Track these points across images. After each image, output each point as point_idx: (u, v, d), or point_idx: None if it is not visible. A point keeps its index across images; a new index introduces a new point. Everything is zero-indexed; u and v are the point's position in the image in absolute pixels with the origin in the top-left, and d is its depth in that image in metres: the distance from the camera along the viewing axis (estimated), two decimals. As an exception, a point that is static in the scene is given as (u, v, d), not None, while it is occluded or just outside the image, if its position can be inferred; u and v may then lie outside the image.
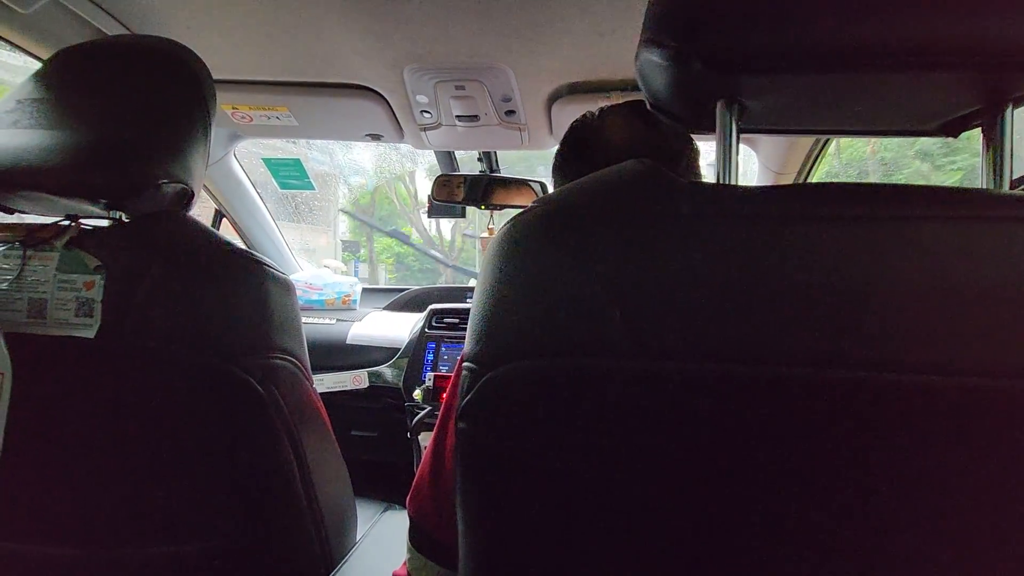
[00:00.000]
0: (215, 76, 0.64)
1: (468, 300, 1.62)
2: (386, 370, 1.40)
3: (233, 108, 1.19)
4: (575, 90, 1.06)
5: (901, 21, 0.31)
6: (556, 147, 1.30)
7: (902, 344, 0.29)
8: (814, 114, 0.43)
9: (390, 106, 1.14)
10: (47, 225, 0.56)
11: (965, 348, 0.29)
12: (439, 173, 1.46)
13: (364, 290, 1.72)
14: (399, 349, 1.42)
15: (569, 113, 1.09)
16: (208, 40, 0.94)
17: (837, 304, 0.30)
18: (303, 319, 0.64)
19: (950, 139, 0.42)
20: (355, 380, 1.38)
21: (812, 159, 1.15)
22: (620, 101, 0.70)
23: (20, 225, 0.57)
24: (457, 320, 1.42)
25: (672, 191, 0.34)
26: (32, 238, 0.54)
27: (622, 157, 0.62)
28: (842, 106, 0.41)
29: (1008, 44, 0.31)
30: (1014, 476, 0.30)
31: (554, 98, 1.09)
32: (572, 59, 0.95)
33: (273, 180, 1.56)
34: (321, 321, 1.52)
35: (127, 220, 0.58)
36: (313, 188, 1.63)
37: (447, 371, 1.34)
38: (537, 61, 0.96)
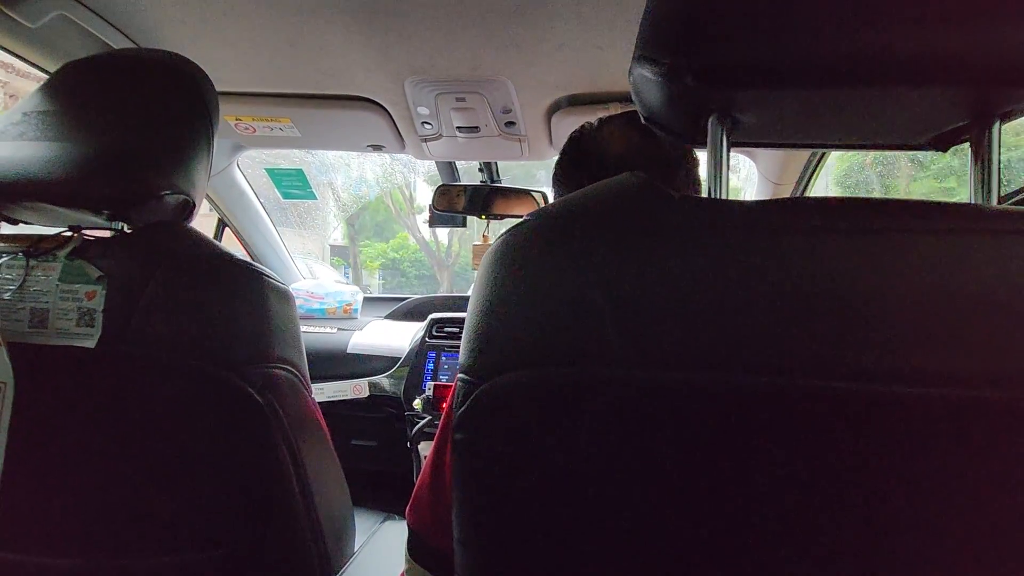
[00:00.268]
0: (219, 88, 0.65)
1: (469, 309, 1.62)
2: (386, 379, 1.40)
3: (236, 119, 1.20)
4: (574, 102, 1.07)
5: (890, 37, 0.32)
6: (555, 157, 1.32)
7: (896, 354, 0.30)
8: (805, 128, 0.44)
9: (392, 117, 1.15)
10: (51, 236, 0.56)
11: (963, 358, 0.29)
12: (438, 182, 1.47)
13: (365, 299, 1.73)
14: (399, 358, 1.42)
15: (568, 124, 1.10)
16: (213, 53, 0.96)
17: (831, 315, 0.30)
18: (304, 328, 0.65)
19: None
20: (355, 389, 1.38)
21: (811, 169, 1.16)
22: (619, 112, 0.71)
23: (24, 236, 0.58)
24: (457, 329, 1.42)
25: (665, 204, 0.35)
26: (36, 248, 0.55)
27: (620, 167, 0.63)
28: (833, 120, 0.42)
29: (995, 60, 0.31)
30: (1016, 485, 0.30)
31: (553, 109, 1.10)
32: (571, 72, 0.97)
33: (267, 188, 1.57)
34: (322, 330, 1.52)
35: (129, 231, 0.59)
36: (315, 198, 1.65)
37: (447, 380, 1.34)
38: (536, 74, 0.97)
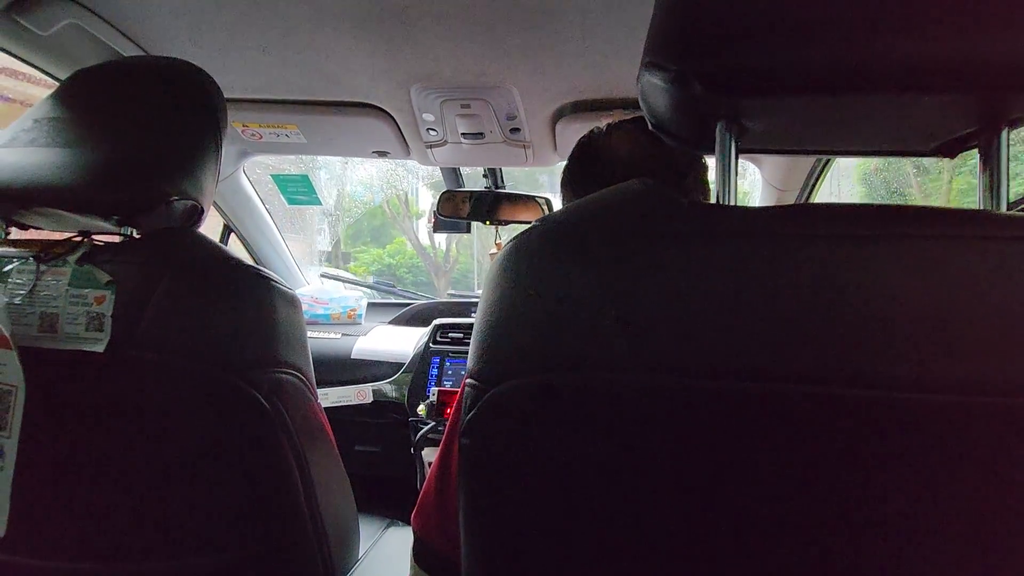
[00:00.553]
0: (227, 95, 0.66)
1: (473, 315, 1.62)
2: (390, 385, 1.40)
3: (243, 126, 1.21)
4: (579, 108, 1.08)
5: (897, 44, 0.32)
6: (560, 163, 1.32)
7: (901, 361, 0.29)
8: (813, 134, 0.44)
9: (397, 124, 1.16)
10: (61, 241, 0.57)
11: (969, 365, 0.29)
12: (439, 186, 1.48)
13: (369, 304, 1.73)
14: (404, 364, 1.42)
15: (573, 131, 1.11)
16: (221, 60, 0.97)
17: (838, 321, 0.30)
18: (309, 333, 0.65)
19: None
20: (359, 395, 1.38)
21: (815, 176, 1.16)
22: (623, 118, 0.71)
23: (35, 241, 0.58)
24: (461, 335, 1.42)
25: (672, 210, 0.35)
26: (46, 253, 0.56)
27: (629, 172, 0.63)
28: (840, 127, 0.42)
29: (1002, 67, 0.31)
30: (1019, 490, 0.30)
31: (558, 116, 1.10)
32: (575, 79, 0.97)
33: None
34: (326, 335, 1.53)
35: (138, 236, 0.59)
36: (320, 203, 1.65)
37: (451, 386, 1.34)
38: (541, 81, 0.98)
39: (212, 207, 0.66)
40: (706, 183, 0.67)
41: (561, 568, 0.36)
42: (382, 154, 1.32)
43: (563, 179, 0.72)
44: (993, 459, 0.29)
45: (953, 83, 0.33)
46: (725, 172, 0.38)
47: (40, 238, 0.59)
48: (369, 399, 1.39)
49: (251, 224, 1.58)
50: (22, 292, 0.54)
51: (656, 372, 0.31)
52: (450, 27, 0.84)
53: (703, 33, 0.34)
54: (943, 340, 0.29)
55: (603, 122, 0.72)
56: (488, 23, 0.82)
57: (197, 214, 0.61)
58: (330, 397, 1.35)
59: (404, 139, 1.22)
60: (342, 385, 1.39)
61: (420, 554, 0.54)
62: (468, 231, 1.62)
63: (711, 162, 0.71)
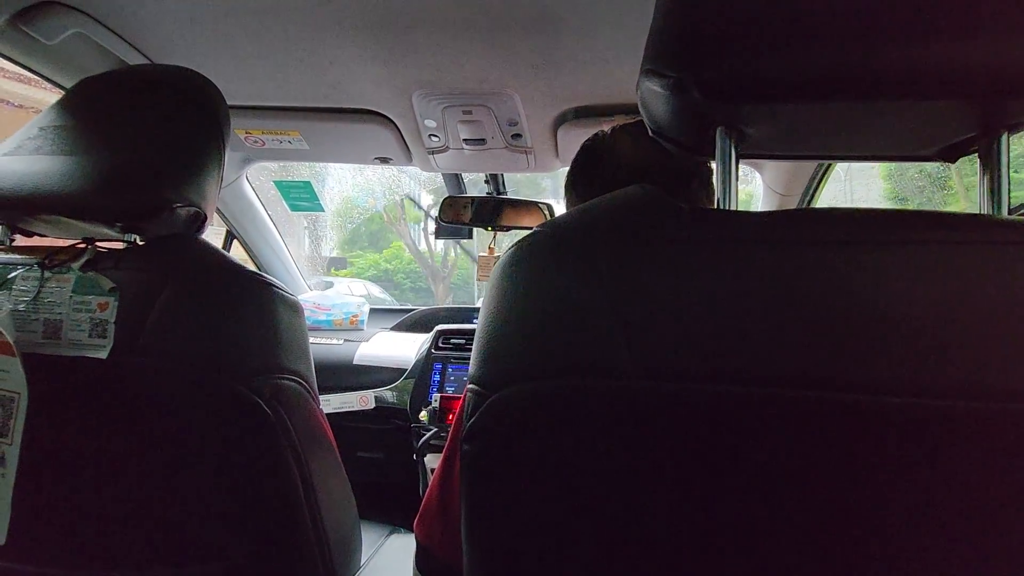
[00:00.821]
0: (230, 102, 0.66)
1: (475, 321, 1.62)
2: (393, 391, 1.40)
3: (246, 133, 1.22)
4: (580, 114, 1.08)
5: (895, 51, 0.32)
6: (562, 169, 1.32)
7: (902, 367, 0.29)
8: (813, 140, 0.44)
9: (399, 130, 1.16)
10: (65, 248, 0.57)
11: (969, 370, 0.29)
12: (438, 190, 1.48)
13: (372, 310, 1.73)
14: (406, 370, 1.42)
15: (574, 136, 1.11)
16: (224, 68, 0.97)
17: (839, 327, 0.30)
18: (311, 339, 0.65)
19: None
20: (362, 401, 1.38)
21: (816, 181, 1.16)
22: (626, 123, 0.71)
23: (39, 248, 0.58)
24: (463, 341, 1.42)
25: (673, 216, 0.35)
26: (50, 260, 0.56)
27: (633, 176, 0.63)
28: (840, 132, 0.42)
29: (1001, 73, 0.31)
30: (1020, 496, 0.29)
31: (559, 122, 1.11)
32: (577, 84, 0.97)
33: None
34: (329, 341, 1.53)
35: (142, 243, 0.59)
36: (323, 210, 1.66)
37: (453, 392, 1.34)
38: (542, 87, 0.98)
39: (215, 213, 0.67)
40: (712, 187, 0.67)
41: (564, 573, 0.36)
42: (384, 160, 1.33)
43: (567, 183, 0.72)
44: (994, 464, 0.29)
45: (952, 89, 0.33)
46: (725, 178, 0.38)
47: (44, 245, 0.59)
48: (371, 405, 1.38)
49: (253, 230, 1.58)
50: (26, 299, 0.54)
51: (657, 377, 0.31)
52: (451, 34, 0.84)
53: (701, 40, 0.34)
54: (943, 345, 0.29)
55: (604, 127, 0.72)
56: (489, 30, 0.83)
57: (200, 221, 0.61)
58: (332, 403, 1.35)
59: (406, 145, 1.22)
60: (344, 391, 1.39)
61: (422, 562, 0.54)
62: (470, 237, 1.62)
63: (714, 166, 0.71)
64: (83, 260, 0.55)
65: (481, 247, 1.51)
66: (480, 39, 0.85)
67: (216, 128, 0.63)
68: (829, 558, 0.31)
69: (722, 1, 0.34)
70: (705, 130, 0.39)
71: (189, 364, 0.52)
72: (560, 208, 0.96)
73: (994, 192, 0.37)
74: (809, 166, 1.12)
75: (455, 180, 1.53)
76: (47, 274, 0.55)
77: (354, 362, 1.45)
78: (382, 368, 1.44)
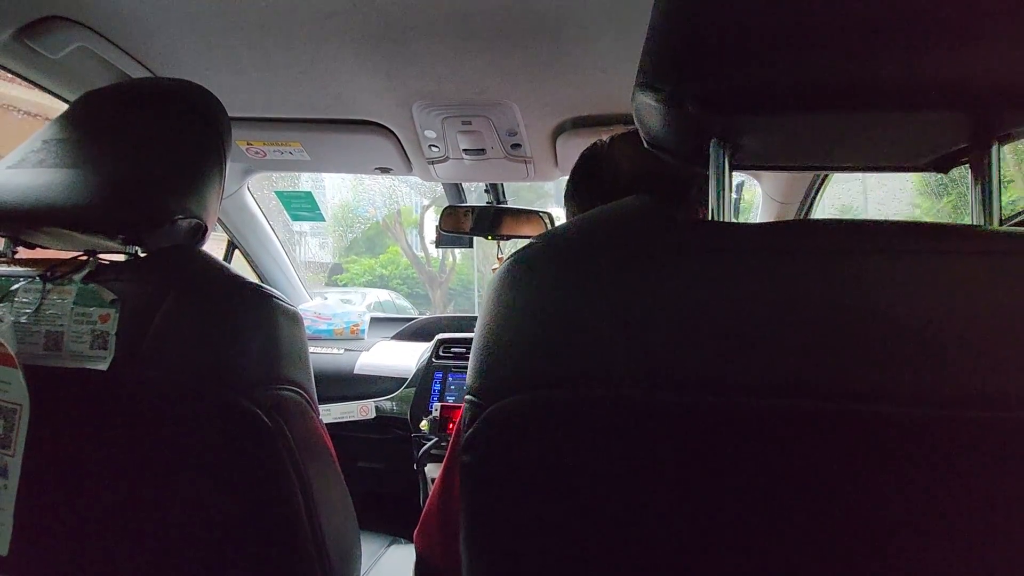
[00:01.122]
0: (231, 114, 0.67)
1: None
2: (393, 400, 1.40)
3: (248, 144, 1.23)
4: (579, 124, 1.09)
5: (887, 63, 0.32)
6: (561, 178, 1.33)
7: (901, 376, 0.30)
8: (806, 151, 0.44)
9: (399, 141, 1.17)
10: (67, 260, 0.58)
11: (966, 379, 0.29)
12: (436, 195, 1.49)
13: (372, 319, 1.74)
14: (406, 379, 1.42)
15: (573, 146, 1.12)
16: (226, 80, 0.98)
17: (835, 336, 0.30)
18: (311, 349, 0.65)
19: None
20: (362, 410, 1.38)
21: (815, 189, 1.16)
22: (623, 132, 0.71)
23: (41, 260, 0.59)
24: (464, 350, 1.42)
25: (667, 227, 0.35)
26: (52, 272, 0.56)
27: (632, 184, 0.64)
28: (834, 143, 0.42)
29: (992, 85, 0.32)
30: (1020, 503, 0.29)
31: (558, 132, 1.11)
32: (575, 95, 0.98)
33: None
34: (329, 351, 1.53)
35: (143, 254, 0.60)
36: (324, 219, 1.67)
37: (454, 401, 1.34)
38: (541, 97, 0.99)
39: (217, 224, 0.67)
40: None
41: None
42: (385, 171, 1.34)
43: (567, 192, 0.73)
44: (994, 472, 0.29)
45: (943, 101, 0.33)
46: (719, 188, 0.39)
47: (47, 257, 0.60)
48: (372, 415, 1.38)
49: (255, 241, 1.59)
50: (28, 311, 0.55)
51: (655, 387, 0.32)
52: (451, 45, 0.85)
53: (694, 54, 0.35)
54: (941, 354, 0.29)
55: (603, 137, 0.72)
56: (488, 41, 0.83)
57: (201, 232, 0.61)
58: (333, 413, 1.35)
59: (406, 155, 1.23)
60: (345, 401, 1.39)
61: (422, 573, 0.54)
62: (471, 246, 1.62)
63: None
64: (85, 272, 0.55)
65: (485, 253, 1.51)
66: (479, 50, 0.86)
67: (217, 140, 0.63)
68: (829, 566, 0.31)
69: (716, 15, 0.35)
70: (699, 141, 0.39)
71: (189, 375, 0.52)
72: (561, 217, 0.97)
73: (985, 202, 0.37)
74: (808, 175, 1.13)
75: (455, 189, 1.54)
76: (49, 286, 0.55)
77: (355, 372, 1.45)
78: (383, 377, 1.44)
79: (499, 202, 1.50)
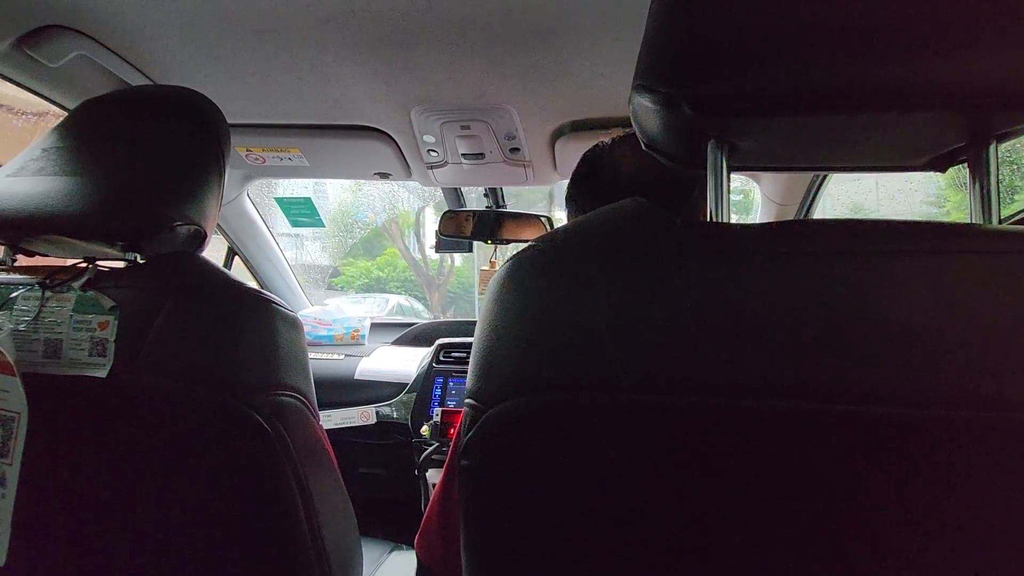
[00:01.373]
0: (230, 121, 0.67)
1: (476, 334, 1.62)
2: (394, 406, 1.40)
3: (247, 150, 1.23)
4: (577, 127, 1.09)
5: (884, 64, 0.32)
6: (560, 181, 1.33)
7: (900, 377, 0.29)
8: (804, 152, 0.44)
9: (398, 146, 1.18)
10: (66, 267, 0.58)
11: (967, 379, 0.29)
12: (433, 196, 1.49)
13: (372, 325, 1.73)
14: (407, 384, 1.41)
15: (572, 149, 1.12)
16: (225, 87, 0.99)
17: (834, 337, 0.30)
18: (312, 355, 0.65)
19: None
20: (363, 416, 1.38)
21: (814, 190, 1.16)
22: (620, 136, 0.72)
23: (40, 267, 0.59)
24: (465, 355, 1.42)
25: (664, 229, 0.35)
26: (51, 280, 0.56)
27: (633, 186, 0.63)
28: (831, 144, 0.42)
29: (989, 83, 0.32)
30: (1018, 504, 0.29)
31: (557, 135, 1.12)
32: (573, 99, 0.99)
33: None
34: (330, 357, 1.53)
35: (142, 261, 0.60)
36: (323, 225, 1.67)
37: (455, 406, 1.34)
38: (539, 101, 0.99)
39: (216, 230, 0.67)
40: None
41: None
42: (384, 176, 1.34)
43: (568, 195, 0.73)
44: (989, 473, 0.29)
45: (940, 101, 0.33)
46: (717, 190, 0.39)
47: (46, 265, 0.60)
48: (373, 420, 1.38)
49: (254, 247, 1.59)
50: (27, 319, 0.55)
51: (652, 391, 0.31)
52: (449, 51, 0.85)
53: (691, 56, 0.35)
54: (936, 355, 0.29)
55: (603, 139, 0.73)
56: (486, 46, 0.84)
57: (200, 238, 0.62)
58: (333, 419, 1.35)
59: (405, 161, 1.23)
60: (345, 406, 1.38)
61: (423, 578, 0.54)
62: (470, 250, 1.62)
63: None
64: (84, 279, 0.55)
65: (486, 256, 1.51)
66: (477, 55, 0.86)
67: (216, 147, 0.63)
68: (828, 567, 0.31)
69: (712, 17, 0.35)
70: (697, 143, 0.39)
71: (188, 381, 0.52)
72: (562, 220, 0.97)
73: (984, 201, 0.37)
74: (806, 176, 1.13)
75: (455, 194, 1.54)
76: (48, 293, 0.55)
77: (355, 377, 1.44)
78: (383, 383, 1.44)
79: (498, 206, 1.50)
